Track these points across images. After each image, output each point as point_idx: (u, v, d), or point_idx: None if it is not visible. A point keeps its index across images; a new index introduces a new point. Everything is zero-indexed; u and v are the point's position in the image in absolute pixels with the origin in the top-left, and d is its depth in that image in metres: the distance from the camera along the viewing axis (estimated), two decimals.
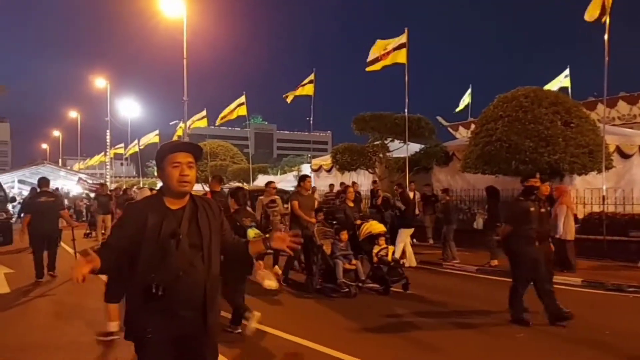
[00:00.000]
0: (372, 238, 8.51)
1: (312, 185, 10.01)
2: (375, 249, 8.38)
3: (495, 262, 10.16)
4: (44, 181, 9.59)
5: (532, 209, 6.20)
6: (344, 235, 8.42)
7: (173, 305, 2.36)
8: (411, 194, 13.23)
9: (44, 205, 8.75)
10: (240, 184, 23.28)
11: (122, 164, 63.70)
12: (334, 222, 9.66)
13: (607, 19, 11.34)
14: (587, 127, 12.05)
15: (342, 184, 17.20)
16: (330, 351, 5.09)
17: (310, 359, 5.01)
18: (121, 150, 42.13)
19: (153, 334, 2.37)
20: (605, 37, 11.45)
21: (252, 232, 5.48)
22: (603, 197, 11.65)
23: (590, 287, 8.44)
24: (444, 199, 12.04)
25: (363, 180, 18.63)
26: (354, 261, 8.22)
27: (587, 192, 12.32)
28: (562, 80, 23.14)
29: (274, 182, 10.84)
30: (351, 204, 9.58)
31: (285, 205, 10.19)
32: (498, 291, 7.16)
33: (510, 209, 6.78)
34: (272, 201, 9.94)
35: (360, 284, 8.05)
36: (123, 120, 40.70)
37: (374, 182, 15.53)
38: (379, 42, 15.46)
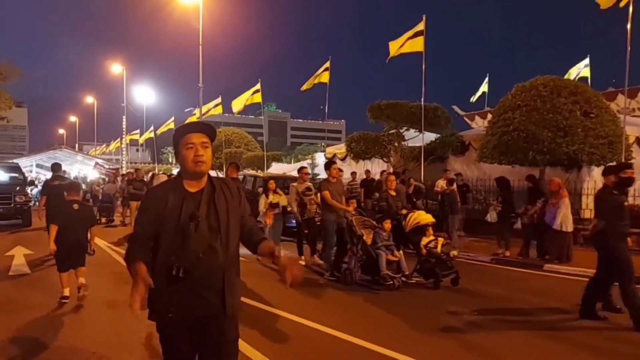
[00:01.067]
0: (420, 229, 7.99)
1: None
2: (424, 240, 7.89)
3: (507, 253, 10.13)
4: (56, 166, 10.60)
5: (625, 203, 5.72)
6: (388, 224, 7.99)
7: (194, 286, 2.38)
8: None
9: (57, 188, 9.15)
10: (254, 171, 23.38)
11: (137, 150, 64.39)
12: (362, 211, 9.14)
13: (630, 7, 11.09)
14: (606, 118, 11.86)
15: (353, 173, 17.19)
16: (372, 346, 4.77)
17: (350, 354, 4.70)
18: (137, 137, 42.51)
19: (175, 314, 2.40)
20: (628, 26, 11.21)
21: None
22: None
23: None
24: (449, 189, 11.97)
25: (377, 169, 18.58)
26: (397, 252, 7.75)
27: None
28: (582, 70, 22.73)
29: (306, 168, 10.20)
30: (393, 193, 9.08)
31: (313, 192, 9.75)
32: (560, 286, 7.01)
33: (604, 203, 5.87)
34: (308, 189, 9.45)
35: (404, 278, 7.60)
36: (139, 107, 41.06)
37: (404, 171, 14.93)
38: (397, 41, 15.33)
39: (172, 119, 33.82)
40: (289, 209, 9.76)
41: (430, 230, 8.02)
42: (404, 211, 8.67)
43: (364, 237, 7.76)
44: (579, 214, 12.75)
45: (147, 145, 52.69)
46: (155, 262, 2.42)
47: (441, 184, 12.88)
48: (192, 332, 2.47)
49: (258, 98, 23.21)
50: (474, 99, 29.34)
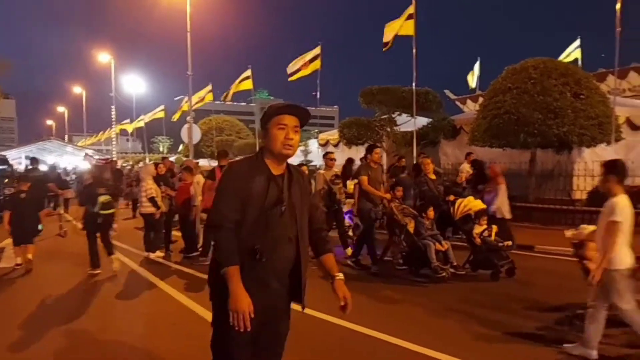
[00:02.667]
0: (470, 216, 7.37)
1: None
2: (477, 229, 7.25)
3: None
4: (33, 160, 13.35)
5: None
6: (431, 212, 7.44)
7: (267, 275, 2.32)
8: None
9: (31, 179, 9.41)
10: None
11: (127, 140, 63.87)
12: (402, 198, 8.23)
13: None
14: (596, 99, 11.90)
15: (349, 159, 17.06)
16: (424, 350, 4.29)
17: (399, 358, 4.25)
18: (127, 126, 42.15)
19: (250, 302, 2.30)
20: (617, 6, 11.21)
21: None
22: None
23: None
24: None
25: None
26: (444, 242, 7.21)
27: (595, 165, 12.23)
28: (573, 52, 22.73)
29: (332, 153, 9.41)
30: (433, 176, 8.45)
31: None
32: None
33: None
34: (336, 176, 8.66)
35: (452, 269, 7.08)
36: (128, 96, 40.63)
37: (399, 158, 12.76)
38: (392, 24, 15.11)
39: (162, 107, 33.51)
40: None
41: (484, 218, 7.42)
42: (452, 197, 8.02)
43: (408, 227, 7.26)
44: (570, 195, 12.85)
45: (138, 134, 52.27)
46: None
47: (466, 168, 11.51)
48: (256, 320, 2.30)
49: (249, 85, 22.95)
50: (470, 84, 29.18)
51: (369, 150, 7.94)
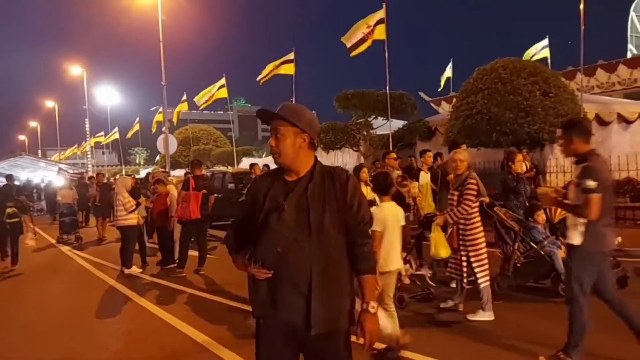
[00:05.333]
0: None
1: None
2: None
3: None
4: (8, 177, 12.76)
5: None
6: (541, 216, 6.27)
7: (278, 286, 2.10)
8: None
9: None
10: (224, 167, 23.16)
11: (103, 153, 62.89)
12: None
13: None
14: (565, 97, 12.17)
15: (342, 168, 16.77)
16: None
17: None
18: (102, 139, 41.51)
19: (264, 319, 2.17)
20: (581, 6, 11.49)
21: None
22: None
23: None
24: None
25: (348, 159, 18.65)
26: (563, 248, 5.85)
27: (567, 161, 12.49)
28: (541, 51, 23.20)
29: (393, 152, 8.47)
30: (531, 173, 7.25)
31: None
32: None
33: None
34: (403, 177, 7.42)
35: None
36: (102, 108, 40.06)
37: (374, 162, 12.13)
38: (358, 24, 15.15)
39: (137, 119, 33.15)
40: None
41: None
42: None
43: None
44: None
45: (114, 147, 51.55)
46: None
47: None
48: (287, 344, 2.15)
49: (224, 93, 22.85)
50: (441, 85, 29.70)
51: (421, 155, 7.52)
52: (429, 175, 7.76)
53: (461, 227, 5.17)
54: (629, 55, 32.85)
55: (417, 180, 7.74)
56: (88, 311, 6.26)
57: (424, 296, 5.93)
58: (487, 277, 5.09)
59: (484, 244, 5.17)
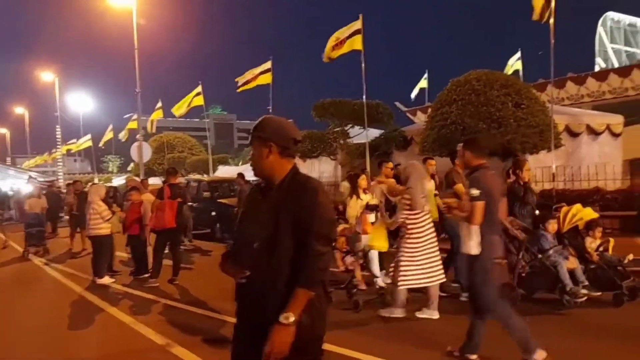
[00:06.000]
0: (578, 228, 6.23)
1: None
2: (591, 242, 6.07)
3: None
4: None
5: None
6: (553, 225, 6.04)
7: (247, 290, 2.24)
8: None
9: None
10: (199, 176, 22.95)
11: (75, 160, 61.60)
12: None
13: (553, 3, 11.71)
14: (536, 108, 12.47)
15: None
16: None
17: None
18: (74, 146, 40.66)
19: (238, 318, 2.33)
20: (551, 20, 11.84)
21: None
22: (553, 174, 12.13)
23: None
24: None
25: (325, 168, 18.70)
26: (572, 259, 5.86)
27: (538, 171, 12.79)
28: (514, 64, 23.82)
29: (389, 162, 8.38)
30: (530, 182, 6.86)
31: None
32: None
33: None
34: None
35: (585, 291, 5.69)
36: (74, 115, 39.30)
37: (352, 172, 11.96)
38: (335, 34, 15.26)
39: (110, 127, 32.64)
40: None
41: (599, 229, 6.24)
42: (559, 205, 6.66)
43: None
44: None
45: (86, 154, 50.59)
46: None
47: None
48: (252, 343, 2.18)
49: (200, 101, 22.75)
50: (413, 95, 30.23)
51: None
52: (431, 182, 7.61)
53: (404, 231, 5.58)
54: (597, 69, 34.00)
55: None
56: (60, 323, 6.11)
57: (379, 299, 6.23)
58: (406, 282, 5.43)
59: (420, 251, 5.42)
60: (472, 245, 3.93)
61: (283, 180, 2.24)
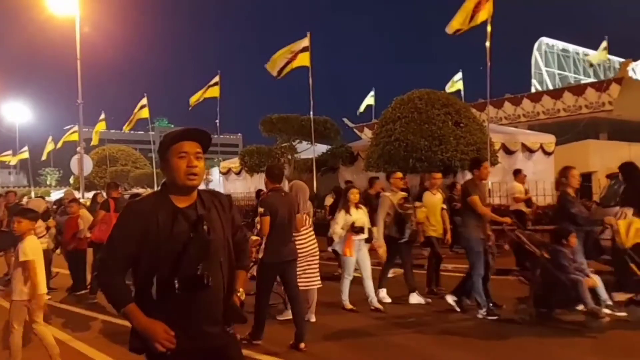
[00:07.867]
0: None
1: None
2: None
3: None
4: None
5: None
6: (573, 239, 5.65)
7: (192, 312, 2.14)
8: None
9: None
10: (143, 190, 22.38)
11: (9, 173, 58.45)
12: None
13: (489, 27, 12.38)
14: (474, 127, 13.14)
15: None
16: None
17: None
18: (9, 158, 38.58)
19: (178, 344, 2.10)
20: (487, 43, 12.53)
21: None
22: (489, 190, 12.73)
23: None
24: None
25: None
26: (593, 276, 5.57)
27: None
28: (455, 84, 24.93)
29: (399, 172, 7.84)
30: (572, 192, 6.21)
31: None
32: None
33: None
34: (406, 199, 6.94)
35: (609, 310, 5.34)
36: (10, 126, 37.37)
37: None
38: (282, 51, 15.44)
39: (50, 139, 31.28)
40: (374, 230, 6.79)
41: None
42: (611, 220, 6.13)
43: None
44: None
45: (22, 166, 48.09)
46: (140, 285, 2.15)
47: (519, 188, 10.25)
48: None
49: (145, 113, 22.32)
50: (360, 111, 31.02)
51: (476, 165, 6.29)
52: (436, 196, 7.60)
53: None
54: (532, 90, 36.03)
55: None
56: None
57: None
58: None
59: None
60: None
61: (200, 195, 2.39)
